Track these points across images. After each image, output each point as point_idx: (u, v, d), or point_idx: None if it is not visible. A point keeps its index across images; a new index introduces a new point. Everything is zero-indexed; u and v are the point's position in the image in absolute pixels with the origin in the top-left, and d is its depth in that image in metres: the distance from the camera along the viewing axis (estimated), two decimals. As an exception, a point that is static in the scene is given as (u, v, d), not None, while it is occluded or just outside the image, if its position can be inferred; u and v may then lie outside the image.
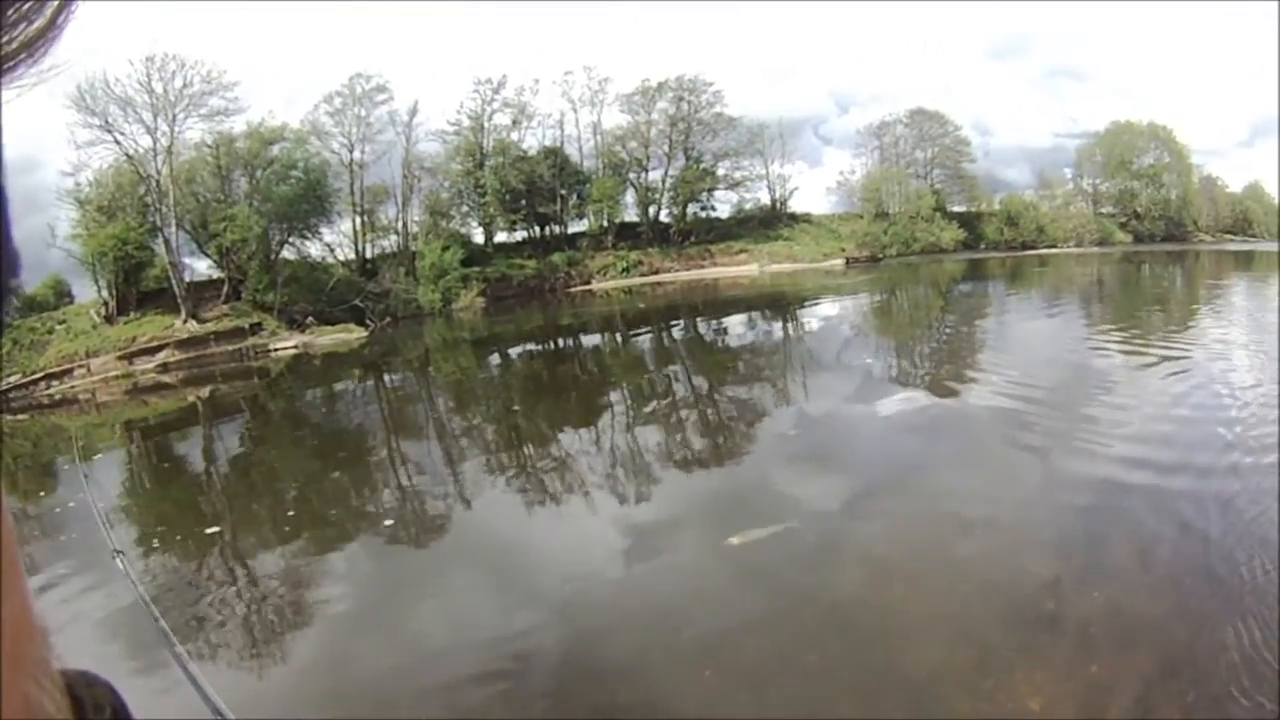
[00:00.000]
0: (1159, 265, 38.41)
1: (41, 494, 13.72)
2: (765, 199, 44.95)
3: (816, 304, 32.57)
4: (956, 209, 49.06)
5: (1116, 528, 8.03)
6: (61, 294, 31.42)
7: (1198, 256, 40.01)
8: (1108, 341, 18.03)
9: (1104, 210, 51.09)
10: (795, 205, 45.94)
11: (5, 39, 0.35)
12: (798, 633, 6.84)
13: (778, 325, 27.70)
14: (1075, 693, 5.62)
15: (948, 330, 24.44)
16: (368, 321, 32.69)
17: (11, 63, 0.36)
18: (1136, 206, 50.08)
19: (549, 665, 6.69)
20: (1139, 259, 39.99)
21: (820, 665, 6.46)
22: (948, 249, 45.38)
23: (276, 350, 30.61)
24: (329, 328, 31.89)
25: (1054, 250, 46.79)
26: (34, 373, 26.45)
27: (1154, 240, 48.21)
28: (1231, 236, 50.29)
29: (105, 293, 30.44)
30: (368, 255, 36.37)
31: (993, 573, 7.52)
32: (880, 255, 43.54)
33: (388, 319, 33.46)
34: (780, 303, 32.90)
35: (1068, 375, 15.30)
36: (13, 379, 25.54)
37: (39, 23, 0.36)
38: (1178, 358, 15.41)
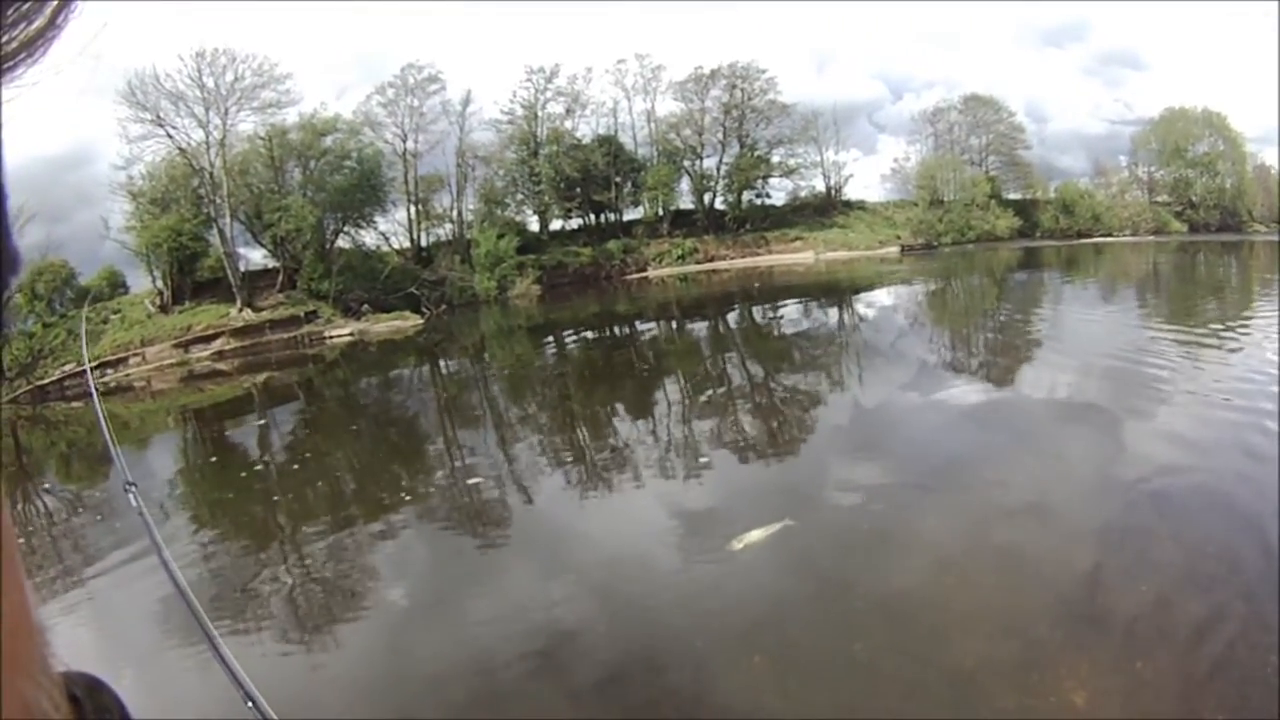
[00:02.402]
0: (1214, 255, 37.45)
1: (96, 479, 13.87)
2: (820, 186, 44.49)
3: (872, 292, 32.11)
4: (1011, 196, 48.16)
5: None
6: (116, 285, 31.98)
7: (1252, 247, 38.64)
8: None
9: (1159, 199, 49.82)
10: (850, 192, 45.53)
11: (5, 38, 0.35)
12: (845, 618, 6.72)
13: (834, 313, 27.30)
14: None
15: (1004, 319, 23.97)
16: (423, 309, 32.88)
17: (11, 62, 0.35)
18: (1191, 195, 48.79)
19: (598, 641, 6.74)
20: (1195, 249, 38.86)
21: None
22: (1003, 237, 44.59)
23: (332, 338, 30.87)
24: (384, 315, 32.09)
25: (1109, 239, 45.82)
26: (90, 361, 26.79)
27: (1209, 229, 46.94)
28: None
29: (160, 283, 30.93)
30: (423, 243, 36.60)
31: (1041, 565, 7.31)
32: (935, 243, 42.88)
33: (443, 306, 33.63)
34: (836, 291, 32.49)
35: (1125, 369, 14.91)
36: (67, 368, 25.86)
37: (39, 22, 0.36)
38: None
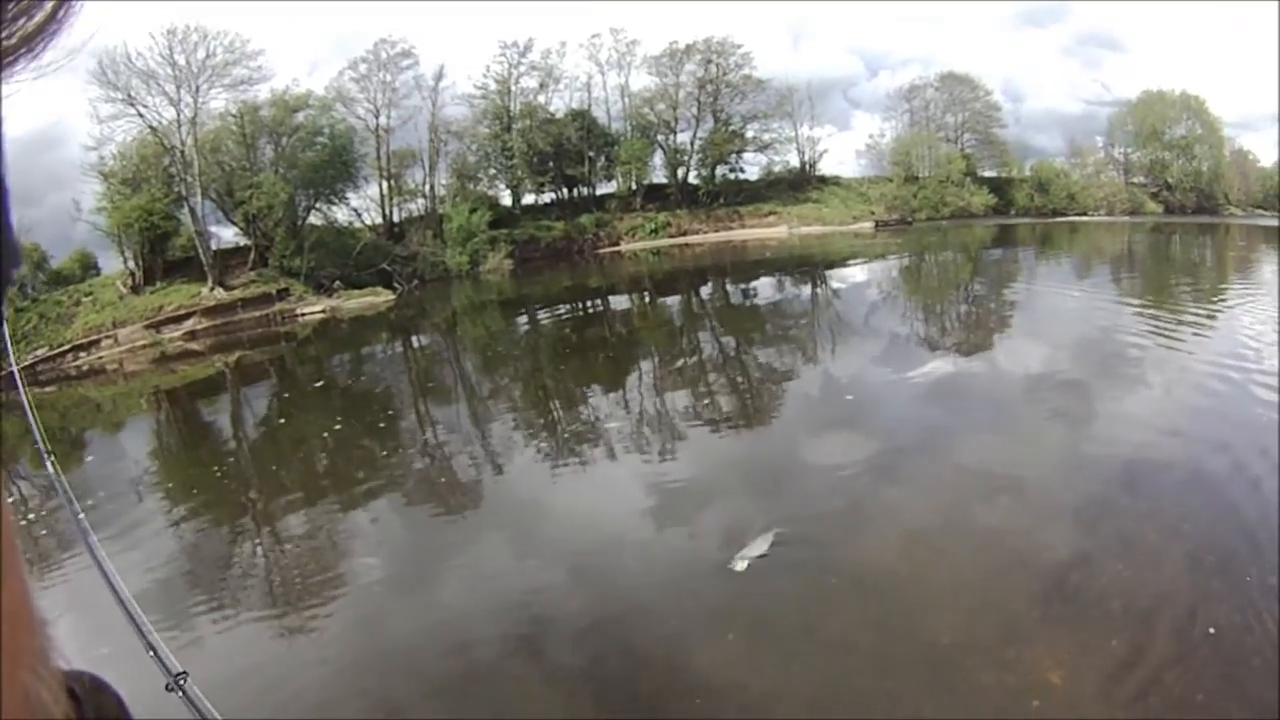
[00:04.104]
0: (1190, 235, 37.81)
1: (69, 464, 13.78)
2: (794, 161, 44.49)
3: (846, 267, 32.21)
4: (987, 174, 48.35)
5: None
6: (87, 267, 31.55)
7: (1227, 230, 39.04)
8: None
9: (1135, 180, 50.11)
10: (824, 168, 45.54)
11: (4, 34, 0.35)
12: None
13: (806, 289, 27.35)
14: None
15: (978, 296, 24.10)
16: (395, 285, 32.77)
17: (11, 57, 0.35)
18: (1168, 177, 49.06)
19: (573, 614, 6.81)
20: (1170, 229, 39.18)
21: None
22: (978, 214, 44.79)
23: (304, 315, 30.68)
24: (356, 291, 31.95)
25: (1084, 218, 46.18)
26: (61, 345, 26.55)
27: (1185, 212, 47.32)
28: (1263, 211, 49.05)
29: (131, 264, 30.56)
30: (395, 219, 36.38)
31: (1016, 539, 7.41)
32: (910, 219, 43.06)
33: (415, 282, 33.52)
34: (809, 265, 32.54)
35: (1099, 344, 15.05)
36: (39, 352, 25.62)
37: (39, 17, 0.36)
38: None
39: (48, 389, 22.09)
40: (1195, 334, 15.01)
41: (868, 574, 6.92)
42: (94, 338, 27.53)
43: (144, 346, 27.55)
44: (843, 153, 57.98)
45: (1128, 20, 73.34)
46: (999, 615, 6.21)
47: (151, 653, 2.96)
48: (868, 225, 41.75)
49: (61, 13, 0.37)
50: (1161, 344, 14.26)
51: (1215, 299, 18.89)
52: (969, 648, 5.82)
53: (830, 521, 7.94)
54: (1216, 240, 36.38)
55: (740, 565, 7.03)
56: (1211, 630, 5.63)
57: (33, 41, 0.36)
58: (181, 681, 2.56)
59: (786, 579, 6.90)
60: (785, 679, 5.70)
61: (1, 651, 0.32)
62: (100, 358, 26.72)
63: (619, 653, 6.31)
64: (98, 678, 0.43)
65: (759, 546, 7.27)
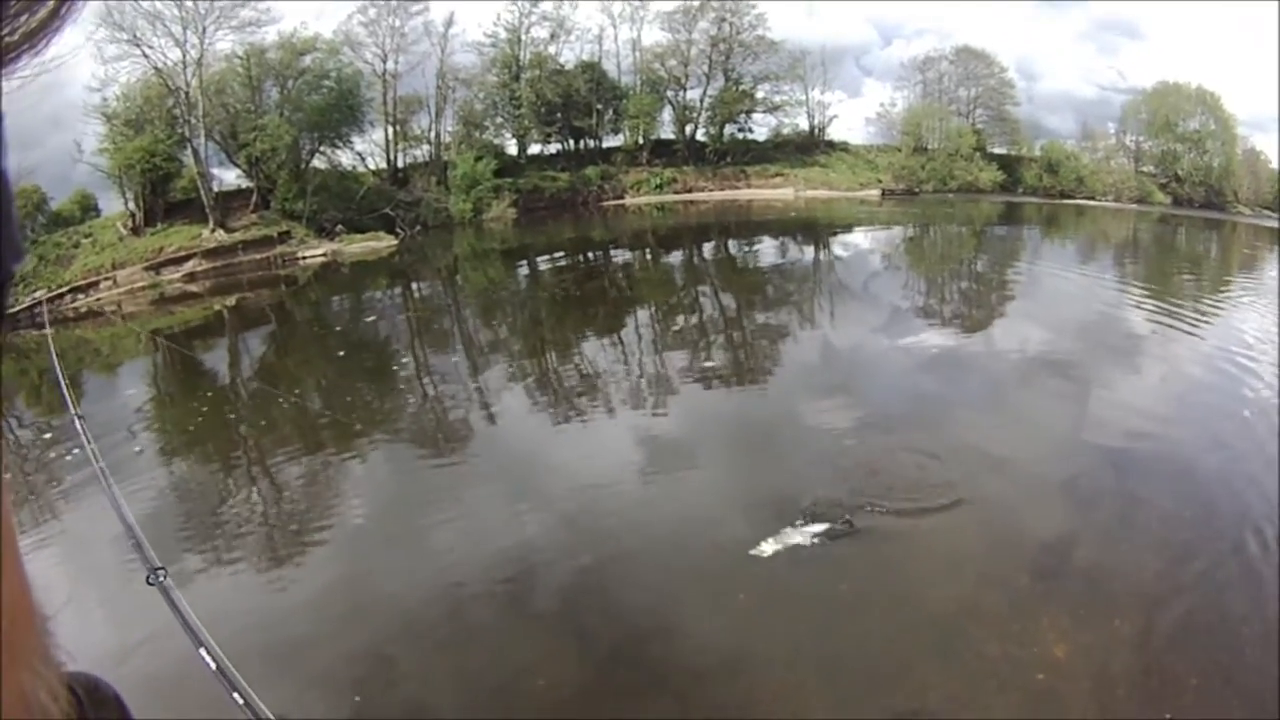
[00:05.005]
0: (1196, 229, 37.74)
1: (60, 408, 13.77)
2: (804, 125, 43.81)
3: (851, 233, 32.12)
4: (996, 150, 47.90)
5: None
6: (87, 208, 31.14)
7: (1235, 227, 39.17)
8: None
9: (1145, 169, 49.68)
10: (833, 133, 44.86)
11: (7, 30, 0.35)
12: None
13: (809, 252, 27.25)
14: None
15: (980, 271, 24.06)
16: (398, 230, 32.57)
17: (14, 53, 0.35)
18: (1178, 169, 48.57)
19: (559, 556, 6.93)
20: (1177, 221, 39.38)
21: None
22: (985, 189, 44.52)
23: (305, 259, 30.55)
24: (358, 236, 31.75)
25: (1092, 202, 45.89)
26: (60, 287, 26.34)
27: (1192, 205, 46.97)
28: (1270, 213, 48.76)
29: (132, 205, 30.22)
30: (399, 164, 36.02)
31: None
32: (917, 189, 42.78)
33: (418, 227, 33.30)
34: (814, 229, 32.43)
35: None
36: (38, 294, 25.42)
37: (41, 14, 0.36)
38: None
39: (45, 331, 21.95)
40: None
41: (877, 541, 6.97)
42: (93, 279, 27.30)
43: (143, 288, 27.39)
44: (852, 119, 57.03)
45: (1148, 9, 72.39)
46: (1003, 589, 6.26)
47: (134, 543, 2.99)
48: (874, 193, 41.47)
49: (64, 9, 0.36)
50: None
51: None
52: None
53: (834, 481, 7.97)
54: (1223, 237, 36.34)
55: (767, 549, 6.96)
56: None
57: (35, 37, 0.36)
58: (160, 577, 2.66)
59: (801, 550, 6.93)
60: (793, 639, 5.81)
61: (2, 651, 0.31)
62: (99, 299, 26.54)
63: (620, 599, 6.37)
64: (97, 678, 0.42)
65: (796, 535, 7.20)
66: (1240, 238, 35.80)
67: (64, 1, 0.37)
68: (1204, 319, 15.78)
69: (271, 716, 2.25)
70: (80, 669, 0.41)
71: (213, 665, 2.42)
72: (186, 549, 7.68)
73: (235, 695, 2.32)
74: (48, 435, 11.76)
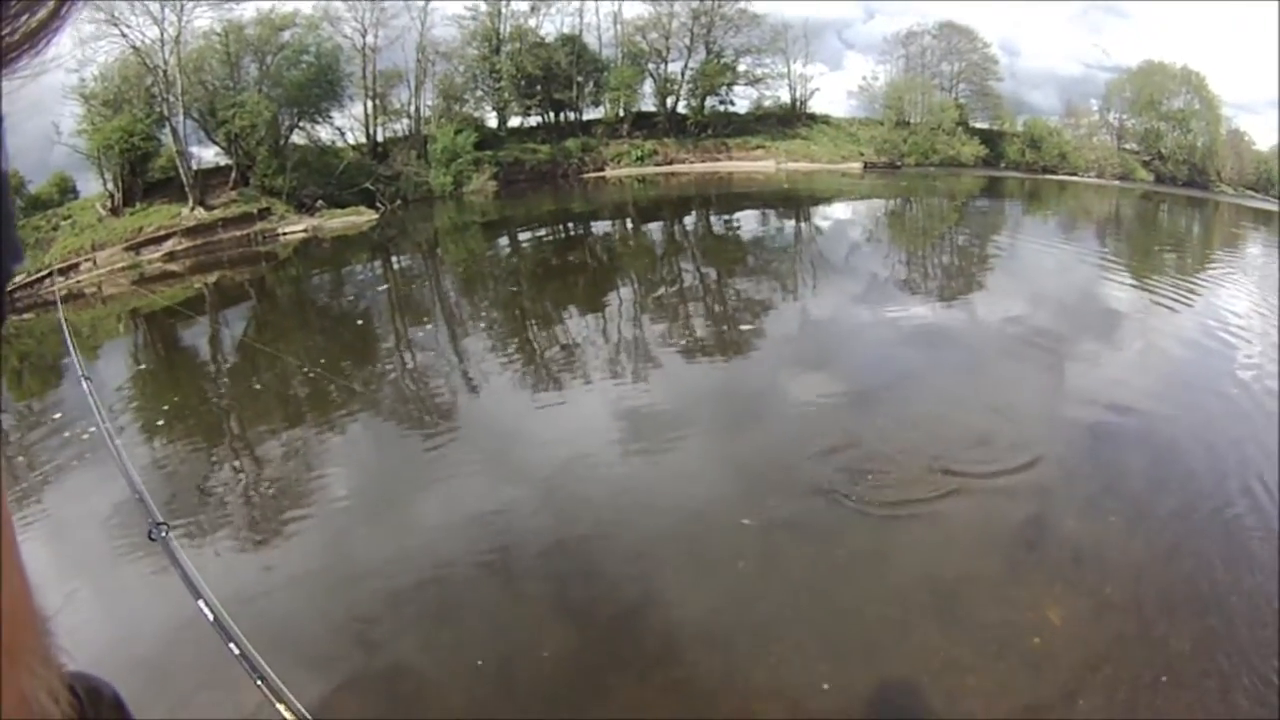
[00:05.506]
0: (1179, 206, 38.05)
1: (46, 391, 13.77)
2: (785, 98, 43.64)
3: (832, 205, 32.23)
4: (979, 125, 47.89)
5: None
6: (66, 191, 30.87)
7: (1217, 206, 39.70)
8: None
9: (1128, 146, 49.80)
10: (815, 106, 44.64)
11: (7, 30, 0.35)
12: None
13: (790, 224, 27.34)
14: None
15: (962, 243, 24.18)
16: (378, 204, 32.48)
17: (14, 54, 0.35)
18: (1161, 147, 48.67)
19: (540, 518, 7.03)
20: (1159, 198, 39.68)
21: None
22: (967, 164, 44.57)
23: (285, 235, 30.43)
24: (339, 211, 31.65)
25: (1074, 178, 46.09)
26: (39, 270, 26.16)
27: (1175, 183, 47.14)
28: (1253, 193, 49.05)
29: (111, 185, 29.98)
30: (379, 139, 35.83)
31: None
32: (899, 163, 42.82)
33: (398, 202, 33.22)
34: (795, 201, 32.51)
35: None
36: (18, 279, 25.25)
37: (41, 14, 0.36)
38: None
39: (25, 316, 21.83)
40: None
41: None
42: (73, 261, 27.11)
43: (123, 269, 27.19)
44: (834, 92, 56.81)
45: (1133, -11, 72.47)
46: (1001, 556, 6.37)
47: (137, 497, 3.08)
48: (856, 166, 41.52)
49: (64, 9, 0.36)
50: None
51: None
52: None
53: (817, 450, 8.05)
54: (1206, 215, 36.60)
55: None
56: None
57: (35, 38, 0.35)
58: (162, 532, 2.76)
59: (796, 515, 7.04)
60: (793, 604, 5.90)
61: (1, 651, 0.31)
62: (79, 281, 26.36)
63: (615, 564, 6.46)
64: (98, 679, 0.42)
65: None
66: (1224, 217, 36.06)
67: (64, 1, 0.36)
68: (1190, 295, 15.99)
69: (267, 669, 2.33)
70: (79, 669, 0.40)
71: (210, 617, 2.51)
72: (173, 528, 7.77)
73: (231, 646, 2.41)
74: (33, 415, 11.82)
